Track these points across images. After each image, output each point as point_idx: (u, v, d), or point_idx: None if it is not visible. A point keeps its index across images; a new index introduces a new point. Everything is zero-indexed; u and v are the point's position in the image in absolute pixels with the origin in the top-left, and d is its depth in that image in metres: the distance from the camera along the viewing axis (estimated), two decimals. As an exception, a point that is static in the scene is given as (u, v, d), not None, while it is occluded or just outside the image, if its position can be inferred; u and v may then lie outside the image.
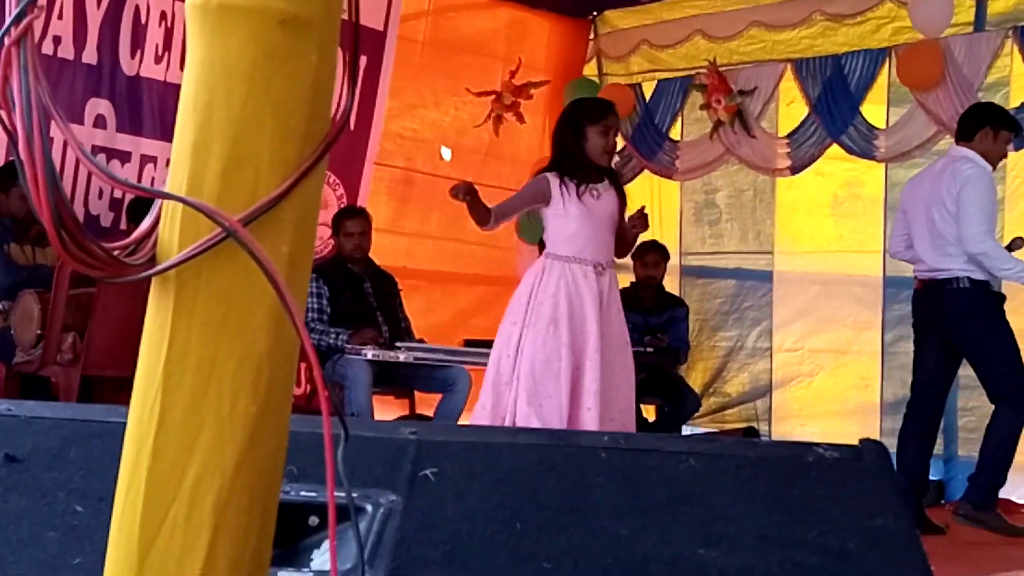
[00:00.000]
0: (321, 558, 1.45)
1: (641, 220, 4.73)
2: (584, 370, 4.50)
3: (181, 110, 1.11)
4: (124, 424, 1.60)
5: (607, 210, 4.68)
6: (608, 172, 4.79)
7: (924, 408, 5.49)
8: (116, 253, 1.08)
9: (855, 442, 1.60)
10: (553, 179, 4.68)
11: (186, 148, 1.10)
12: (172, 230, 1.09)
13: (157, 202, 1.12)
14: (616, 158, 7.90)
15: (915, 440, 5.47)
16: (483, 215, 4.62)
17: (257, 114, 1.09)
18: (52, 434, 1.53)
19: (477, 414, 4.72)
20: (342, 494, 1.25)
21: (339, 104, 1.19)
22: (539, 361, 4.50)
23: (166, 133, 6.40)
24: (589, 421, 4.42)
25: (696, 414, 7.33)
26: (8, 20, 1.04)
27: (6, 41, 1.04)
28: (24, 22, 1.04)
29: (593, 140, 4.65)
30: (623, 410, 4.62)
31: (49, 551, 1.41)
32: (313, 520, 1.47)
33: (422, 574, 1.41)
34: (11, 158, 5.66)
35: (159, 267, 1.08)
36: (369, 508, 1.48)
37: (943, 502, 6.61)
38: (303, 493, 1.47)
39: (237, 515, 1.08)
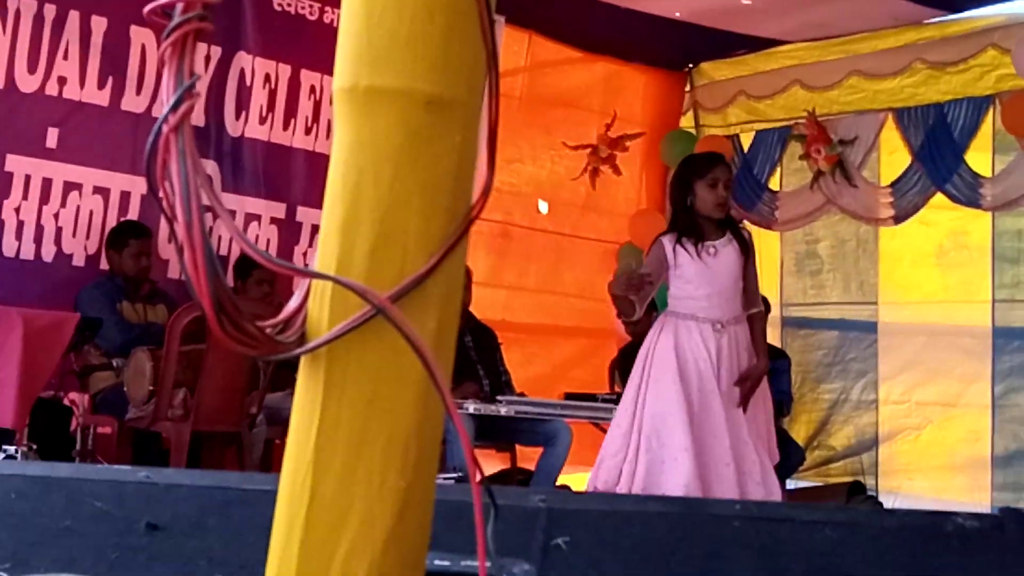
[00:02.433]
0: (457, 628, 1.46)
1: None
2: (709, 428, 4.44)
3: (330, 190, 1.13)
4: (259, 491, 1.63)
5: (726, 266, 4.63)
6: (730, 225, 4.75)
7: None
8: (268, 331, 1.10)
9: (966, 498, 1.57)
10: (667, 242, 4.66)
11: (335, 227, 1.12)
12: (322, 307, 1.11)
13: (305, 279, 1.14)
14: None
15: None
16: (629, 308, 4.63)
17: (404, 193, 1.11)
18: (191, 502, 1.56)
19: (597, 467, 4.69)
20: (486, 564, 1.25)
21: (481, 178, 1.21)
22: (659, 414, 4.47)
23: (269, 192, 6.54)
24: (728, 477, 4.36)
25: (801, 468, 7.22)
26: (166, 107, 1.08)
27: (164, 128, 1.07)
28: (182, 108, 1.08)
29: (702, 195, 4.63)
30: (755, 469, 4.49)
31: (190, 618, 1.43)
32: (448, 589, 1.47)
33: (557, 645, 1.41)
34: (123, 219, 5.84)
35: (310, 345, 1.10)
36: (504, 577, 1.48)
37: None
38: (437, 562, 1.48)
39: (386, 590, 1.10)
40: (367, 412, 1.09)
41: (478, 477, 1.15)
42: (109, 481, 1.61)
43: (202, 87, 6.16)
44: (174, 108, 1.08)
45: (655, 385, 4.53)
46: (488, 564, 1.53)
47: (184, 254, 1.03)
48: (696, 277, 4.59)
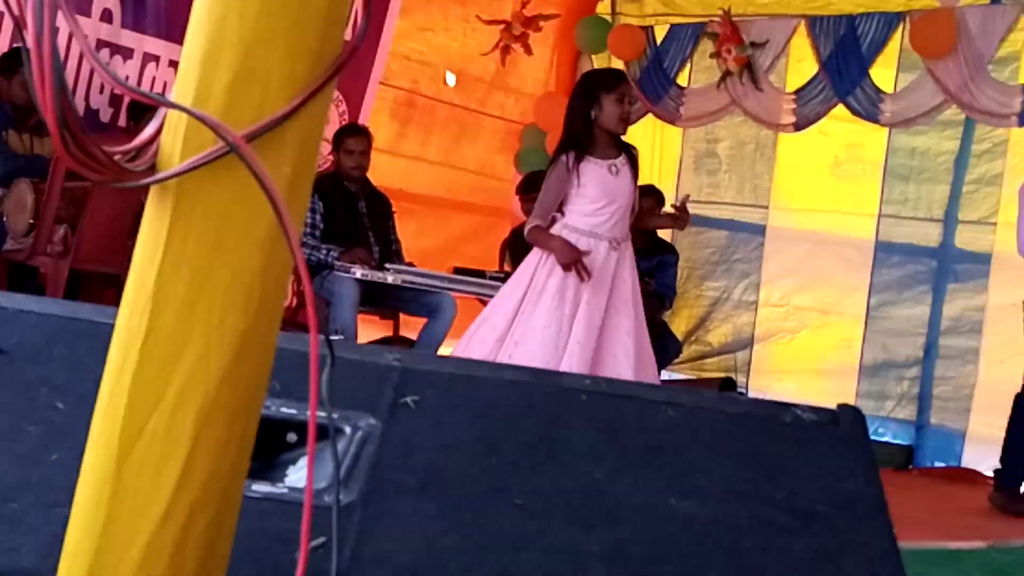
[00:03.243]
0: (296, 475, 1.47)
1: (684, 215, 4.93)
2: (575, 345, 4.48)
3: (193, 20, 1.10)
4: (112, 326, 1.61)
5: (627, 185, 4.66)
6: (626, 148, 4.76)
7: None
8: (117, 158, 1.07)
9: (830, 402, 1.62)
10: (571, 160, 4.64)
11: (195, 59, 1.09)
12: (175, 140, 1.09)
13: (162, 109, 1.11)
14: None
15: None
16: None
17: (270, 31, 1.08)
18: (39, 329, 1.53)
19: (460, 346, 4.72)
20: (323, 414, 1.26)
21: (353, 27, 1.18)
22: (541, 328, 4.49)
23: (171, 33, 6.35)
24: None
25: (676, 360, 7.38)
26: (26, -87, 1.03)
27: (22, -66, 1.03)
28: (42, -83, 1.03)
29: (608, 109, 4.61)
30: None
31: (27, 445, 1.42)
32: (291, 437, 1.48)
33: (395, 498, 1.43)
34: (15, 44, 5.63)
35: (159, 176, 1.08)
36: (348, 430, 1.49)
37: (911, 467, 6.72)
38: (284, 410, 1.48)
39: (217, 428, 1.09)
40: (212, 250, 1.08)
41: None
42: (-44, 303, 1.57)
43: (107, -84, 5.94)
44: (33, -85, 1.03)
45: (536, 296, 4.55)
46: (335, 416, 1.54)
47: (32, 66, 0.99)
48: (603, 195, 4.58)
